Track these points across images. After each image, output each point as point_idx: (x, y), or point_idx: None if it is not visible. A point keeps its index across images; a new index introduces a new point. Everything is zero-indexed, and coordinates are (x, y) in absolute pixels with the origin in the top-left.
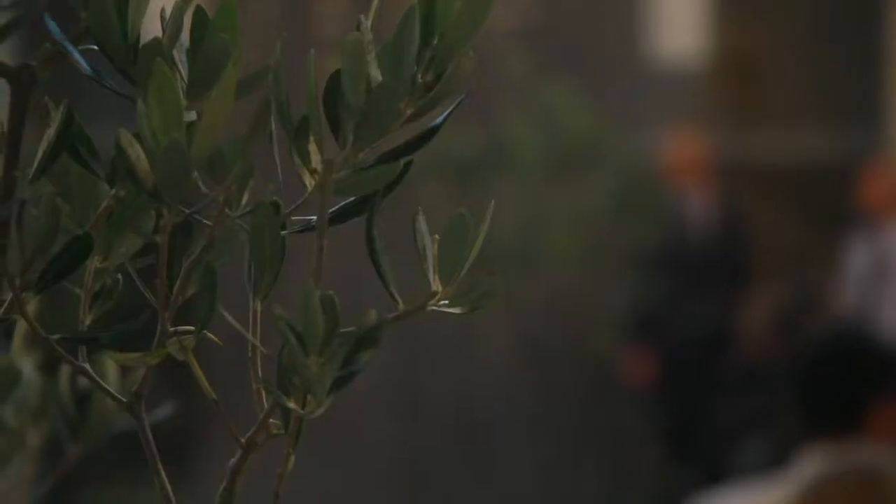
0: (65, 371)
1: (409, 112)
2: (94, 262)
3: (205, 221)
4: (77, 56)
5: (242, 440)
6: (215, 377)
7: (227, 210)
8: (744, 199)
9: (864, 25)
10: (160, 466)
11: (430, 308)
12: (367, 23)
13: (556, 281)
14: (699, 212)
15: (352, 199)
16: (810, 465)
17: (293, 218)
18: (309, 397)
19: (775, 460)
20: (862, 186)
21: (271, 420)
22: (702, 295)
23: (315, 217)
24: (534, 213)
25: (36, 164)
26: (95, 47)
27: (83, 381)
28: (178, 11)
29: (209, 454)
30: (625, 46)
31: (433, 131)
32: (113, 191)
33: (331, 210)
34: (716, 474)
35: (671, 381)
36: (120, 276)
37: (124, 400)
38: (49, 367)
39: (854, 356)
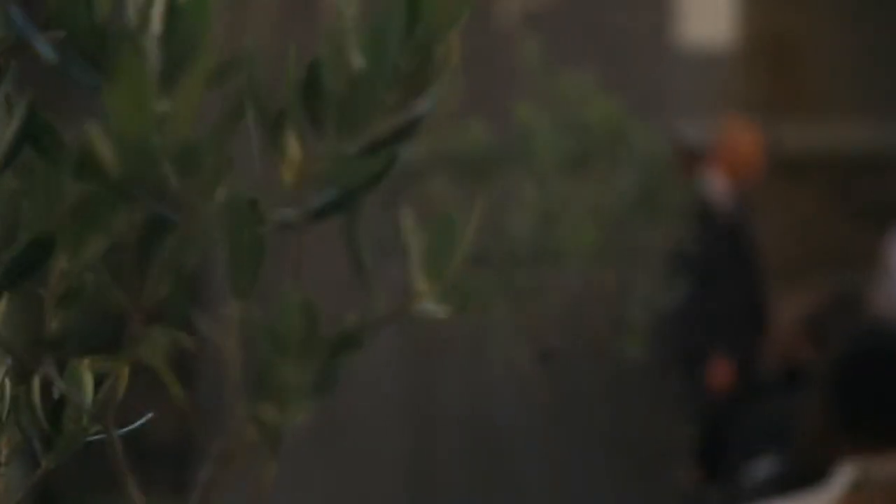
0: (36, 379)
1: (393, 101)
2: (60, 263)
3: (176, 218)
4: (40, 44)
5: (216, 451)
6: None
7: (200, 206)
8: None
9: None
10: (130, 478)
11: (417, 309)
12: (349, 8)
13: (577, 279)
14: (739, 206)
15: (334, 193)
16: (846, 479)
17: (274, 214)
18: (287, 405)
19: (791, 475)
20: None
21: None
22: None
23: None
24: (552, 208)
25: None
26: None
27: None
28: None
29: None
30: (652, 31)
31: (418, 121)
32: (81, 186)
33: (312, 206)
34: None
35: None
36: (88, 277)
37: (90, 409)
38: (22, 375)
39: (893, 358)
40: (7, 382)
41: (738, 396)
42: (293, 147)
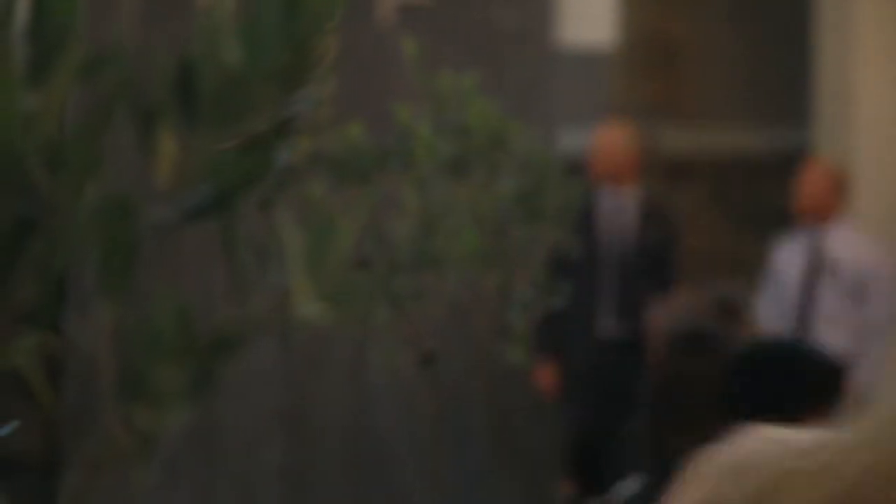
0: None
1: (270, 98)
2: None
3: (45, 218)
4: None
5: (84, 457)
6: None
7: (70, 205)
8: (663, 198)
9: (791, 15)
10: None
11: (296, 313)
12: (226, 1)
13: (458, 284)
14: (619, 210)
15: (211, 193)
16: None
17: (148, 214)
18: (161, 409)
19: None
20: (797, 186)
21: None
22: (617, 297)
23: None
24: (433, 212)
25: None
26: None
27: None
28: None
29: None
30: (532, 33)
31: (295, 119)
32: None
33: (188, 205)
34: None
35: (579, 386)
36: None
37: None
38: None
39: (781, 367)
40: None
41: (619, 401)
42: (167, 144)
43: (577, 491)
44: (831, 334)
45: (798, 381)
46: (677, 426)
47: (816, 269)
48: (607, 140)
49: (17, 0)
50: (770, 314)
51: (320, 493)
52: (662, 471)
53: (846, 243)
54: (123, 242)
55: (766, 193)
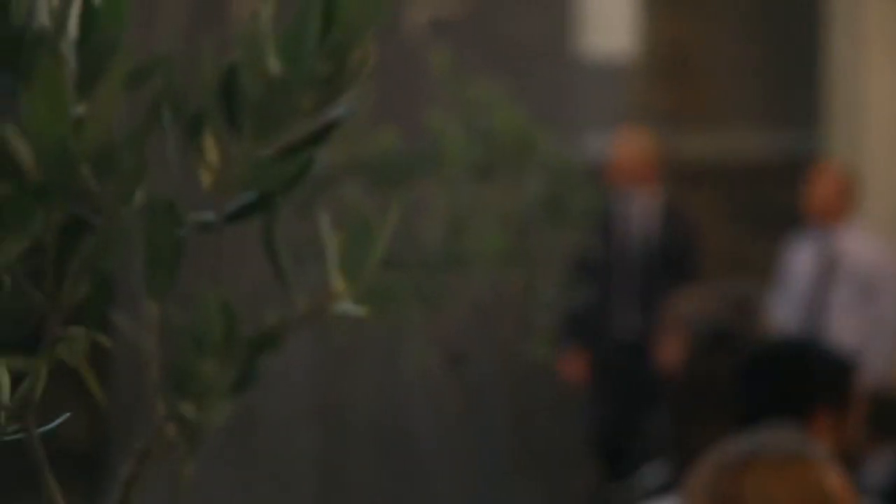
0: None
1: (309, 106)
2: None
3: (95, 220)
4: None
5: (136, 449)
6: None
7: (118, 207)
8: (683, 203)
9: (803, 21)
10: (50, 477)
11: (334, 310)
12: (266, 11)
13: (485, 285)
14: (640, 213)
15: (252, 196)
16: None
17: (192, 216)
18: (207, 403)
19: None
20: (808, 189)
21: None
22: (638, 298)
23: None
24: (461, 214)
25: None
26: None
27: None
28: (65, 1)
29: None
30: (553, 42)
31: (333, 126)
32: None
33: (230, 208)
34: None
35: (601, 385)
36: (7, 278)
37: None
38: None
39: (792, 366)
40: None
41: (640, 398)
42: (211, 150)
43: (604, 482)
44: (842, 333)
45: (809, 379)
46: (699, 423)
47: (827, 269)
48: (627, 145)
49: (70, 12)
50: (782, 314)
51: (354, 484)
52: (683, 464)
53: (856, 244)
54: (169, 243)
55: (777, 196)
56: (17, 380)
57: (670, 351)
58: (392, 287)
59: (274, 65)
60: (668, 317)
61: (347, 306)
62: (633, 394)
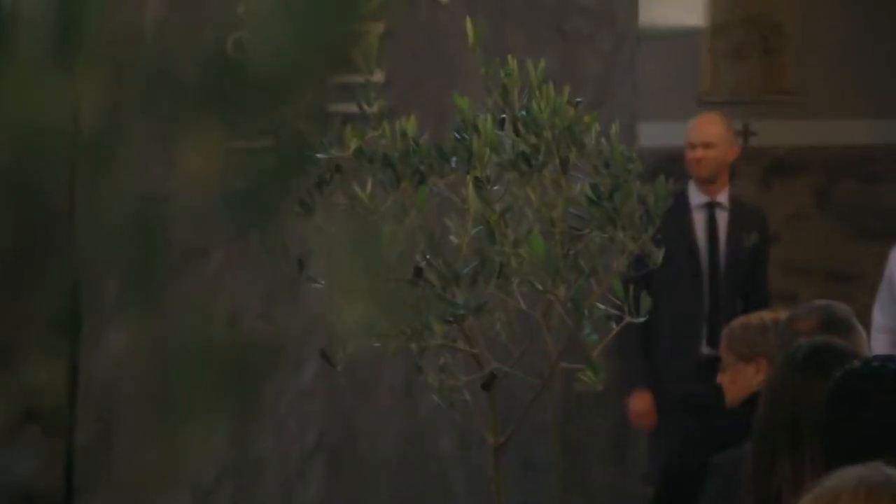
0: None
1: (319, 88)
2: None
3: (63, 218)
4: None
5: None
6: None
7: (98, 201)
8: (758, 199)
9: None
10: None
11: (340, 329)
12: None
13: (524, 298)
14: (711, 213)
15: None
16: None
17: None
18: (195, 427)
19: None
20: None
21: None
22: (711, 311)
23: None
24: (496, 215)
25: None
26: None
27: None
28: None
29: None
30: (610, 12)
31: (337, 111)
32: None
33: (224, 203)
34: None
35: (667, 418)
36: None
37: None
38: None
39: (891, 395)
40: None
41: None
42: (201, 139)
43: None
44: None
45: None
46: (788, 457)
47: None
48: (699, 135)
49: None
50: (884, 325)
51: None
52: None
53: None
54: (154, 254)
55: (878, 192)
56: None
57: (743, 379)
58: (411, 299)
59: (284, 36)
60: (741, 341)
61: (355, 322)
62: (702, 425)
